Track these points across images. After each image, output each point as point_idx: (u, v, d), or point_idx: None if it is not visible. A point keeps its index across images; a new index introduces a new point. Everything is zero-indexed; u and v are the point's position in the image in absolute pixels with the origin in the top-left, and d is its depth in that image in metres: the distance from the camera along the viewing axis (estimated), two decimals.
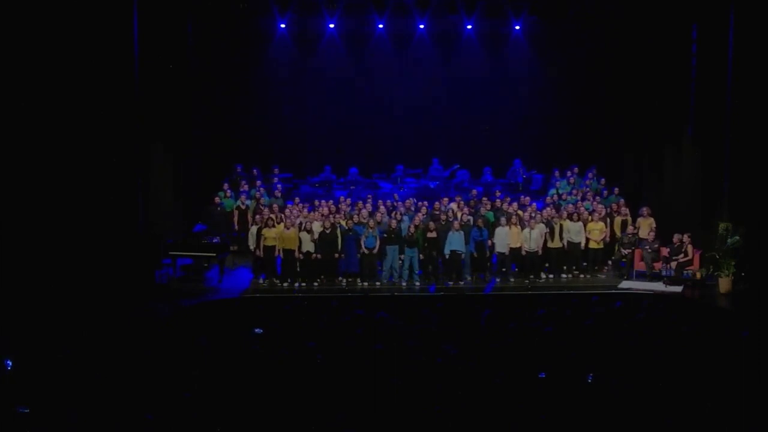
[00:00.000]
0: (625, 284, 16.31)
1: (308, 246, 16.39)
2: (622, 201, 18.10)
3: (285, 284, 16.47)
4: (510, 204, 17.79)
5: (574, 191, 18.97)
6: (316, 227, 16.55)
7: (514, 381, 9.53)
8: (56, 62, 14.23)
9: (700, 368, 10.06)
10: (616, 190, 18.78)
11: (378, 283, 16.45)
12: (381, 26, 21.48)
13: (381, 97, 21.98)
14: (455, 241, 16.40)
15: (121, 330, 12.64)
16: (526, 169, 20.94)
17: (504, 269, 16.81)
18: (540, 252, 16.73)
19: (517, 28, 21.58)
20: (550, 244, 16.77)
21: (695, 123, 18.15)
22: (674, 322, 12.50)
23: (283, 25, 21.46)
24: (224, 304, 14.96)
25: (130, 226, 15.53)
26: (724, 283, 15.68)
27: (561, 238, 16.83)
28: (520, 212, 17.25)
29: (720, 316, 13.98)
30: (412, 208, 17.67)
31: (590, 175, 19.97)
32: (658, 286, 16.10)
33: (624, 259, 16.80)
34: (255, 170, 20.19)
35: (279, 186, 19.45)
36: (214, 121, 21.12)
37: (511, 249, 16.63)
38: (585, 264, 17.04)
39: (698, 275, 16.15)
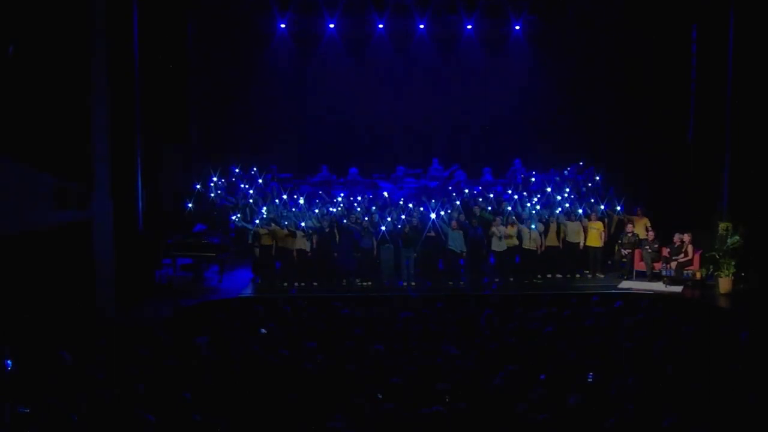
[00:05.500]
0: (625, 284, 16.30)
1: (303, 245, 16.37)
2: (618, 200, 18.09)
3: (285, 284, 16.46)
4: (512, 203, 17.80)
5: (569, 190, 18.96)
6: (314, 226, 16.58)
7: (514, 381, 9.53)
8: (56, 62, 14.21)
9: (699, 368, 10.07)
10: (613, 189, 18.76)
11: (370, 283, 16.39)
12: (381, 26, 21.50)
13: (381, 97, 21.97)
14: (453, 241, 16.40)
15: (121, 330, 12.65)
16: (526, 169, 20.94)
17: (497, 268, 16.80)
18: (539, 251, 16.71)
19: (517, 28, 21.60)
20: (548, 243, 16.77)
21: (695, 123, 18.15)
22: (674, 322, 12.51)
23: (283, 25, 21.48)
24: (224, 304, 14.96)
25: (130, 226, 15.52)
26: (724, 283, 15.68)
27: (559, 238, 16.83)
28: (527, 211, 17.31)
29: (720, 316, 13.98)
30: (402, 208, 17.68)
31: (587, 173, 19.96)
32: (658, 286, 16.09)
33: (624, 260, 16.80)
34: (253, 169, 20.19)
35: (274, 186, 19.43)
36: (214, 121, 21.13)
37: (511, 248, 16.63)
38: (584, 264, 17.02)
39: (698, 275, 16.15)
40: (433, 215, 16.53)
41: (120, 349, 11.15)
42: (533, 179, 19.95)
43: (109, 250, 14.88)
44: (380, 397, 9.12)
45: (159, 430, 8.30)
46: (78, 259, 14.32)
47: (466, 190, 19.03)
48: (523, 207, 17.57)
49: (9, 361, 9.90)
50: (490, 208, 17.75)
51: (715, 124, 17.22)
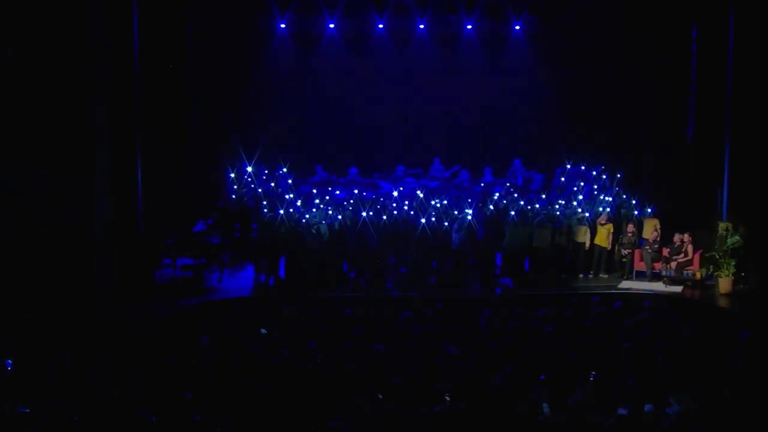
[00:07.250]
0: (625, 284, 16.29)
1: (314, 245, 16.35)
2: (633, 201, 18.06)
3: (286, 284, 16.43)
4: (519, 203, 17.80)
5: (577, 190, 18.95)
6: (322, 227, 16.55)
7: (514, 381, 9.54)
8: (56, 62, 14.22)
9: (699, 368, 10.07)
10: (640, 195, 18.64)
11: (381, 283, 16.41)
12: (381, 26, 21.48)
13: (381, 97, 21.93)
14: (459, 239, 16.40)
15: (121, 330, 12.66)
16: (526, 170, 20.93)
17: (506, 267, 16.80)
18: (549, 250, 16.71)
19: (517, 28, 21.58)
20: (557, 240, 16.77)
21: (695, 123, 18.16)
22: (674, 322, 12.52)
23: (283, 25, 21.46)
24: (224, 304, 14.96)
25: (130, 226, 15.53)
26: (724, 283, 15.67)
27: (568, 239, 16.82)
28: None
29: (720, 316, 13.99)
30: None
31: (595, 174, 19.94)
32: (658, 286, 16.09)
33: (624, 260, 16.79)
34: (263, 169, 20.17)
35: (283, 185, 19.43)
36: (214, 121, 21.12)
37: (522, 248, 16.64)
38: (589, 263, 17.02)
39: (698, 275, 16.14)
40: (469, 211, 16.47)
41: (120, 349, 11.15)
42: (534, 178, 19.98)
43: (109, 250, 14.88)
44: (380, 397, 9.12)
45: (159, 430, 8.30)
46: (78, 259, 14.32)
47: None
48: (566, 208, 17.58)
49: (9, 361, 9.90)
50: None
51: (715, 124, 17.21)
